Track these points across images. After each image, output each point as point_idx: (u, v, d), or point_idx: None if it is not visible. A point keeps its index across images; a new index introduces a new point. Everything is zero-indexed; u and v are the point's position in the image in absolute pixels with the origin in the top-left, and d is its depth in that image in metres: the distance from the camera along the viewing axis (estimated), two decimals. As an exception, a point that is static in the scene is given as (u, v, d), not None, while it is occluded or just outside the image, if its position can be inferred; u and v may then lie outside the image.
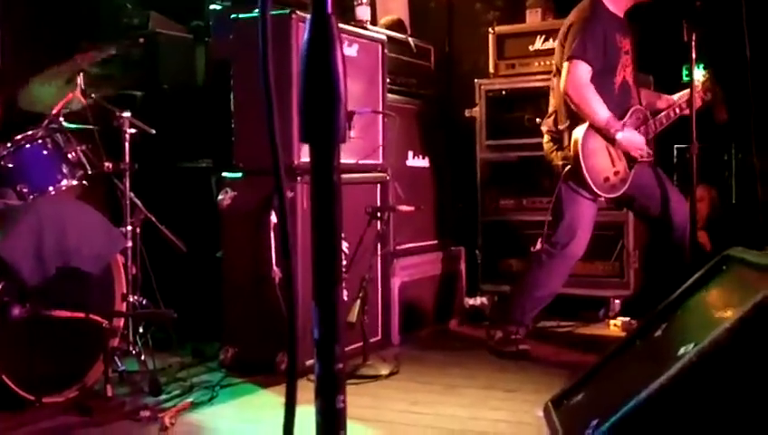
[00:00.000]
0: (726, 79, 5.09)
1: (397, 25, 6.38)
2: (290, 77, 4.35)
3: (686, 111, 4.89)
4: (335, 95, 1.39)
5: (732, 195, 6.44)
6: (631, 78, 5.01)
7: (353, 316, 4.41)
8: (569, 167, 4.83)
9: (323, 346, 1.41)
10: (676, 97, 5.13)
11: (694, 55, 4.68)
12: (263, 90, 1.39)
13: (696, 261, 4.15)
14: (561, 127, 4.91)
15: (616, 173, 4.84)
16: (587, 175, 4.75)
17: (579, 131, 4.78)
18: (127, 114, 4.49)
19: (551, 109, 5.07)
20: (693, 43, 4.65)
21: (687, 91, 4.90)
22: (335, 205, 1.41)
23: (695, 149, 4.68)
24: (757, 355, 2.66)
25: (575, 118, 4.82)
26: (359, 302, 4.47)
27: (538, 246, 5.24)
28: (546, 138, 5.06)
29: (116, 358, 4.16)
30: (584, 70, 4.75)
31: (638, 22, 5.12)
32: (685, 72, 6.04)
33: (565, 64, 4.81)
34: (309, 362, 3.95)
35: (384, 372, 4.56)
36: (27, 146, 4.23)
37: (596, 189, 4.79)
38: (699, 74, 4.95)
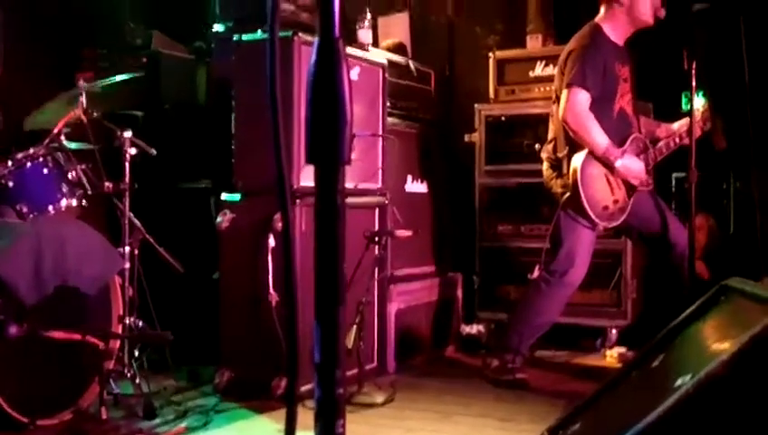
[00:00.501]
0: (726, 107, 5.09)
1: (398, 49, 6.40)
2: (291, 99, 4.36)
3: (686, 141, 4.89)
4: (341, 118, 1.40)
5: (730, 224, 6.44)
6: (629, 106, 5.02)
7: (349, 342, 4.41)
8: (568, 195, 4.82)
9: (324, 370, 1.40)
10: (675, 126, 5.13)
11: (694, 83, 4.69)
12: (269, 112, 1.39)
13: (694, 291, 4.14)
14: (560, 154, 4.92)
15: (615, 202, 4.84)
16: (586, 203, 4.75)
17: (578, 159, 4.78)
18: (128, 134, 4.49)
19: (550, 135, 5.08)
20: (693, 72, 4.66)
21: (687, 120, 4.90)
22: (339, 226, 1.41)
23: (694, 177, 4.67)
24: (755, 388, 2.65)
25: (574, 145, 4.83)
26: (355, 327, 4.46)
27: (536, 273, 5.23)
28: (546, 165, 5.06)
29: (111, 380, 4.14)
30: (583, 97, 4.76)
31: (639, 49, 5.13)
32: (684, 100, 6.05)
33: (564, 91, 4.82)
34: (305, 388, 3.93)
35: (379, 399, 4.54)
36: (28, 165, 4.22)
37: (595, 218, 4.79)
38: (699, 103, 4.95)
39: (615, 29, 4.96)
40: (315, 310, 1.42)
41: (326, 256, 1.42)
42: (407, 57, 6.20)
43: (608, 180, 4.83)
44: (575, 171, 4.76)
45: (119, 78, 4.64)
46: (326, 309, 1.41)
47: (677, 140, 5.01)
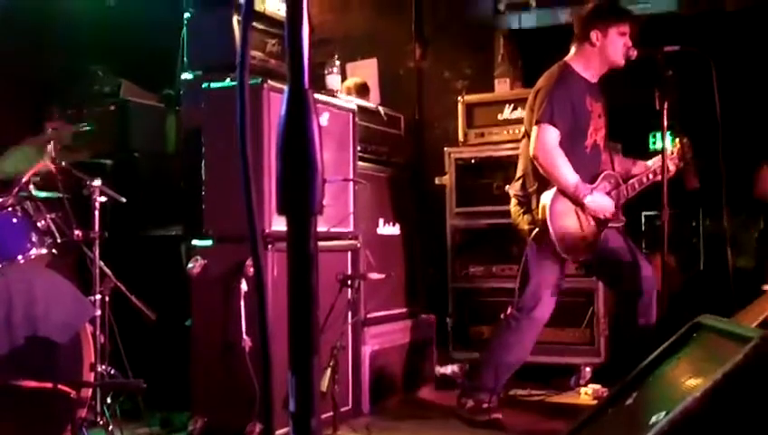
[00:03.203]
0: (698, 146, 5.13)
1: (361, 88, 6.45)
2: (261, 145, 4.36)
3: (659, 178, 4.93)
4: (312, 168, 1.40)
5: (700, 261, 6.49)
6: (603, 142, 5.06)
7: (324, 385, 4.38)
8: (537, 230, 4.84)
9: (300, 420, 1.40)
10: (650, 163, 5.16)
11: (665, 123, 4.73)
12: (239, 159, 1.40)
13: (666, 328, 4.14)
14: (529, 190, 4.93)
15: (584, 238, 4.86)
16: (554, 239, 4.76)
17: (547, 196, 4.80)
18: (97, 182, 4.48)
19: (519, 172, 5.09)
20: (665, 111, 4.71)
21: (660, 157, 4.94)
22: (311, 275, 1.41)
23: (666, 215, 4.70)
24: (728, 424, 2.66)
25: (544, 181, 4.85)
26: (329, 370, 4.44)
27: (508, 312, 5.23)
28: (513, 201, 5.08)
29: (83, 429, 4.09)
30: (553, 134, 4.79)
31: (607, 89, 5.16)
32: (652, 140, 6.10)
33: (534, 128, 4.84)
34: (279, 432, 3.91)
35: (355, 442, 4.52)
36: (-4, 214, 4.20)
37: (563, 253, 4.80)
38: (668, 142, 4.98)
39: (586, 68, 5.00)
40: (289, 360, 1.41)
41: (299, 307, 1.41)
42: (368, 95, 6.25)
43: (577, 216, 4.85)
44: (544, 208, 4.78)
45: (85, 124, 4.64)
46: (300, 359, 1.41)
47: (651, 176, 5.03)
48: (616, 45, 4.92)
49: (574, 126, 4.88)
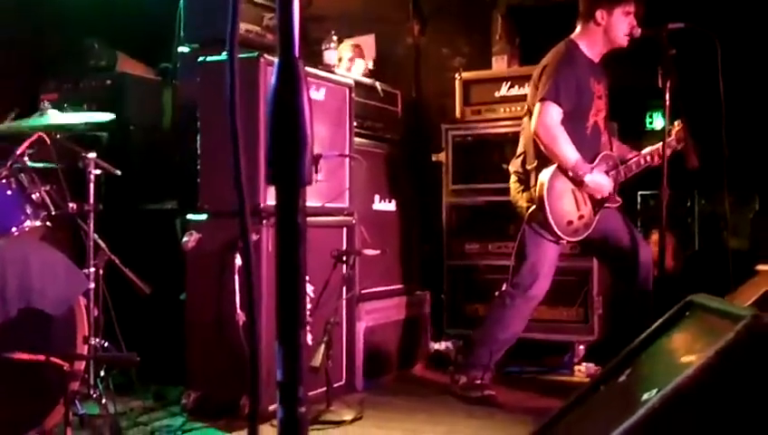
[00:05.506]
0: (698, 126, 5.10)
1: (354, 46, 6.44)
2: (257, 119, 4.35)
3: (656, 162, 4.93)
4: (301, 138, 1.40)
5: (695, 241, 6.49)
6: (603, 123, 5.05)
7: (317, 361, 4.38)
8: (533, 208, 4.85)
9: (287, 389, 1.40)
10: (646, 151, 5.14)
11: (668, 102, 4.71)
12: (230, 132, 1.39)
13: (660, 306, 4.14)
14: (528, 167, 4.94)
15: (580, 217, 4.86)
16: (550, 218, 4.77)
17: (545, 174, 4.80)
18: (92, 155, 4.46)
19: (519, 149, 5.09)
20: (667, 91, 4.68)
21: (660, 143, 4.92)
22: (300, 246, 1.41)
23: (665, 195, 4.70)
24: (719, 401, 2.67)
25: (544, 158, 4.84)
26: (323, 346, 4.44)
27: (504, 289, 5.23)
28: (513, 178, 5.08)
29: (76, 401, 4.10)
30: (555, 112, 4.78)
31: (605, 69, 5.15)
32: (648, 120, 6.07)
33: (537, 105, 4.83)
34: (272, 407, 3.92)
35: (348, 417, 4.53)
36: (-10, 186, 4.18)
37: (559, 232, 4.81)
38: (661, 123, 4.96)
39: (591, 46, 4.99)
40: (277, 331, 1.42)
41: (287, 278, 1.41)
42: (362, 54, 6.24)
43: (574, 196, 4.85)
44: (542, 186, 4.78)
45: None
46: (287, 330, 1.41)
47: (648, 158, 5.03)
48: (621, 25, 4.90)
49: (577, 106, 4.87)
